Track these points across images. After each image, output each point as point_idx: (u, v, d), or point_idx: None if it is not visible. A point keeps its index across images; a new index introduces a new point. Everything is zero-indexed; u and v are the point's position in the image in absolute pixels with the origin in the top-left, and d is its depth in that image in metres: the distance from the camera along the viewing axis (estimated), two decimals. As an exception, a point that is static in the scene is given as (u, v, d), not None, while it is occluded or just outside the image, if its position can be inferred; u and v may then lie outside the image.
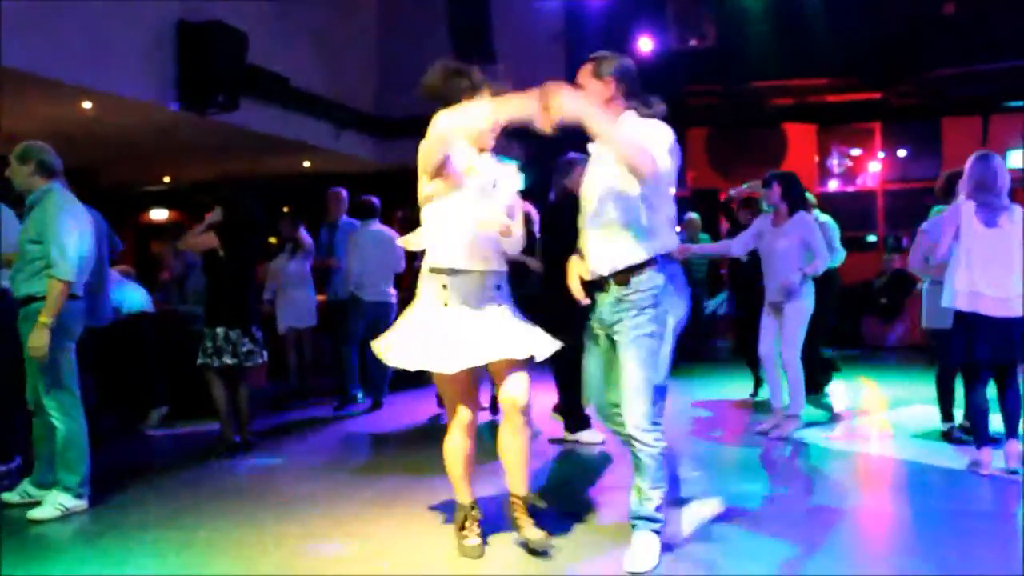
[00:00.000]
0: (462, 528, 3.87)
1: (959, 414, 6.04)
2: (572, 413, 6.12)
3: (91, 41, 7.13)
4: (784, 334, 6.14)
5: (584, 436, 6.07)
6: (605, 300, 3.69)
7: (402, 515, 4.43)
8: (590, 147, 3.75)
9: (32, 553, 3.99)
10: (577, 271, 3.85)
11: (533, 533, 3.78)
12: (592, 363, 3.83)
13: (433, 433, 4.82)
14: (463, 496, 3.90)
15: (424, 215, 3.80)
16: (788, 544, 3.95)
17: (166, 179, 13.57)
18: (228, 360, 5.88)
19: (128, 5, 7.51)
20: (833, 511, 4.58)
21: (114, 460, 5.80)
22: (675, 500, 4.44)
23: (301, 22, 10.06)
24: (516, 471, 3.83)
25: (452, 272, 3.70)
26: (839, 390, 8.03)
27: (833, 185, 13.48)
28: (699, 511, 4.38)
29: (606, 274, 3.64)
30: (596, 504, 4.58)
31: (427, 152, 3.65)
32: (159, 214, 15.04)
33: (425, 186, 3.73)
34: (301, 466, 5.84)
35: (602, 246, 3.66)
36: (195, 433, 6.54)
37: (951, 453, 5.63)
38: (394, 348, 3.75)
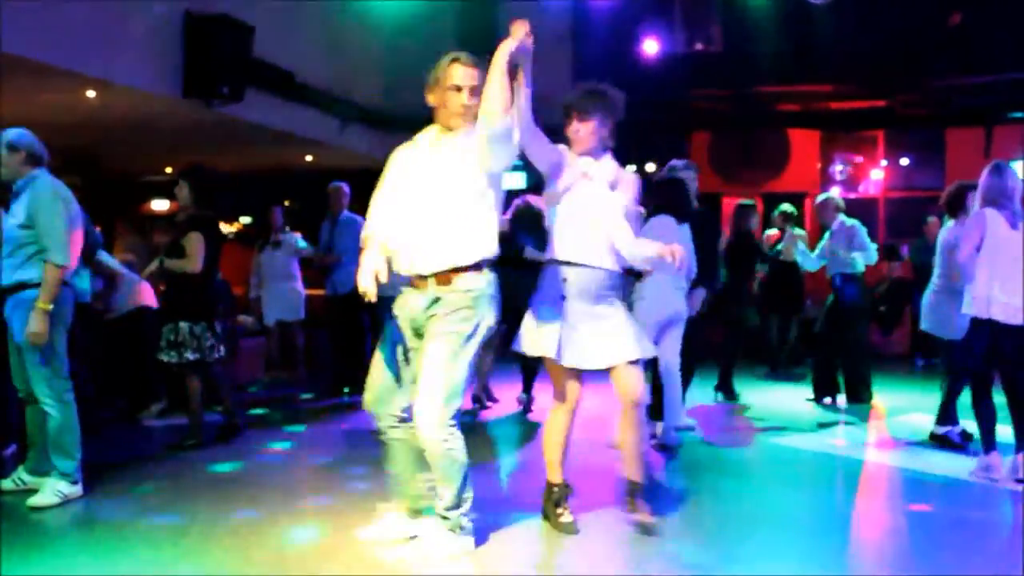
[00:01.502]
0: (556, 506, 4.11)
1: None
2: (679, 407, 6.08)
3: (96, 30, 7.12)
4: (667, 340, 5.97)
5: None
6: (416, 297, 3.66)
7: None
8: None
9: (28, 541, 3.99)
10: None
11: (643, 516, 4.10)
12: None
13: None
14: (556, 475, 4.16)
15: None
16: (784, 548, 3.96)
17: (168, 170, 13.55)
18: (190, 356, 5.75)
19: (135, -5, 7.51)
20: (830, 516, 4.59)
21: (112, 450, 5.81)
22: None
23: (307, 16, 10.05)
24: (632, 460, 4.16)
25: (569, 264, 3.95)
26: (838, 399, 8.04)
27: (835, 192, 13.46)
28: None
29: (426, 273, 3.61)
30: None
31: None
32: (160, 205, 15.03)
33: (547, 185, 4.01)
34: (299, 458, 5.84)
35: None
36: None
37: (948, 460, 5.64)
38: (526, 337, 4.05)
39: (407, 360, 3.74)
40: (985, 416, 5.18)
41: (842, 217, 7.64)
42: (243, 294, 8.90)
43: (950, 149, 12.82)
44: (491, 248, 3.63)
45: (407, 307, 3.72)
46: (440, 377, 3.53)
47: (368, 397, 3.81)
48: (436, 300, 3.60)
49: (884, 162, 13.53)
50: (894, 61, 11.69)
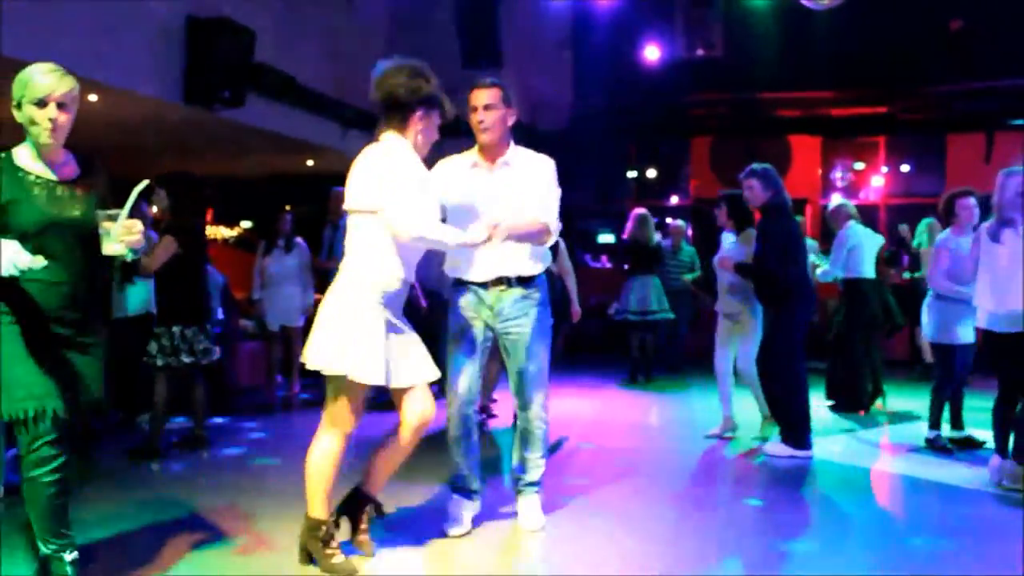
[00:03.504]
0: (327, 545, 3.63)
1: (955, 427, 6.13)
2: (797, 426, 5.92)
3: (98, 34, 7.13)
4: (745, 346, 6.30)
5: (800, 454, 5.89)
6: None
7: (398, 517, 4.43)
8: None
9: (23, 545, 3.98)
10: None
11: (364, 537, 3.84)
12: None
13: (433, 439, 4.77)
14: (325, 511, 3.66)
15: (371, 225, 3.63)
16: (783, 554, 3.95)
17: (169, 174, 13.59)
18: (186, 359, 5.77)
19: (137, -1, 7.52)
20: (828, 522, 4.59)
21: (110, 455, 5.81)
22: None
23: (309, 21, 10.06)
24: (384, 477, 3.88)
25: (403, 283, 3.67)
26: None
27: (836, 198, 13.49)
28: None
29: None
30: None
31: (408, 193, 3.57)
32: (161, 209, 15.05)
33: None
34: (298, 463, 5.82)
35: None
36: (191, 428, 6.53)
37: (946, 466, 5.65)
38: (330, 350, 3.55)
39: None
40: (1000, 422, 5.22)
41: (849, 224, 7.60)
42: (244, 298, 8.90)
43: (951, 155, 12.83)
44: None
45: (479, 308, 4.11)
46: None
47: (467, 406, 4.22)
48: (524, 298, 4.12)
49: (885, 168, 13.55)
50: (895, 67, 11.71)
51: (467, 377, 4.11)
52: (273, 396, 8.43)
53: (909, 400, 8.18)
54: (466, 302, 4.13)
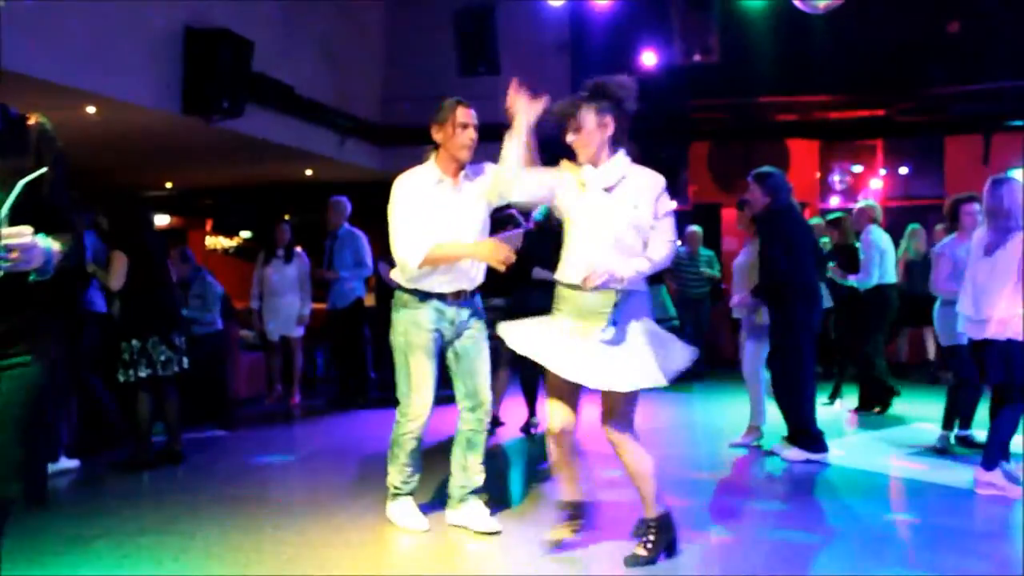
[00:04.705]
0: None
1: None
2: (810, 429, 5.93)
3: (96, 45, 7.14)
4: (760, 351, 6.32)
5: (816, 456, 5.90)
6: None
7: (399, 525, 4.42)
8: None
9: (28, 556, 3.98)
10: None
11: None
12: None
13: (435, 445, 4.82)
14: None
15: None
16: (784, 559, 3.95)
17: (168, 185, 13.58)
18: (143, 372, 5.71)
19: (135, 10, 7.52)
20: (831, 523, 4.58)
21: (112, 465, 5.80)
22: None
23: (307, 31, 10.08)
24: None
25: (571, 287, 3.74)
26: (836, 406, 8.03)
27: (835, 201, 13.49)
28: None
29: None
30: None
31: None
32: (161, 220, 15.06)
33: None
34: (300, 473, 5.84)
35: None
36: (195, 439, 6.53)
37: (949, 470, 5.64)
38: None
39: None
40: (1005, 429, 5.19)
41: (871, 228, 7.58)
42: (244, 308, 8.91)
43: (949, 157, 12.83)
44: None
45: (440, 321, 4.23)
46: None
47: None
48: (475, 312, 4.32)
49: (883, 171, 13.55)
50: (892, 70, 11.72)
51: (433, 390, 4.28)
52: (273, 407, 8.43)
53: (919, 401, 8.19)
54: (426, 316, 4.21)
